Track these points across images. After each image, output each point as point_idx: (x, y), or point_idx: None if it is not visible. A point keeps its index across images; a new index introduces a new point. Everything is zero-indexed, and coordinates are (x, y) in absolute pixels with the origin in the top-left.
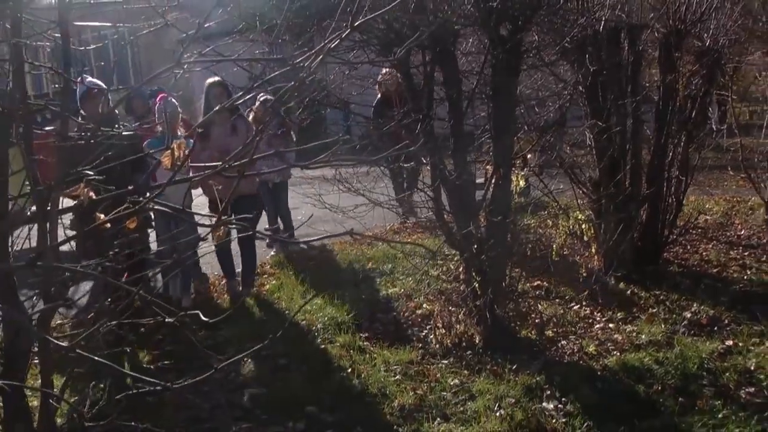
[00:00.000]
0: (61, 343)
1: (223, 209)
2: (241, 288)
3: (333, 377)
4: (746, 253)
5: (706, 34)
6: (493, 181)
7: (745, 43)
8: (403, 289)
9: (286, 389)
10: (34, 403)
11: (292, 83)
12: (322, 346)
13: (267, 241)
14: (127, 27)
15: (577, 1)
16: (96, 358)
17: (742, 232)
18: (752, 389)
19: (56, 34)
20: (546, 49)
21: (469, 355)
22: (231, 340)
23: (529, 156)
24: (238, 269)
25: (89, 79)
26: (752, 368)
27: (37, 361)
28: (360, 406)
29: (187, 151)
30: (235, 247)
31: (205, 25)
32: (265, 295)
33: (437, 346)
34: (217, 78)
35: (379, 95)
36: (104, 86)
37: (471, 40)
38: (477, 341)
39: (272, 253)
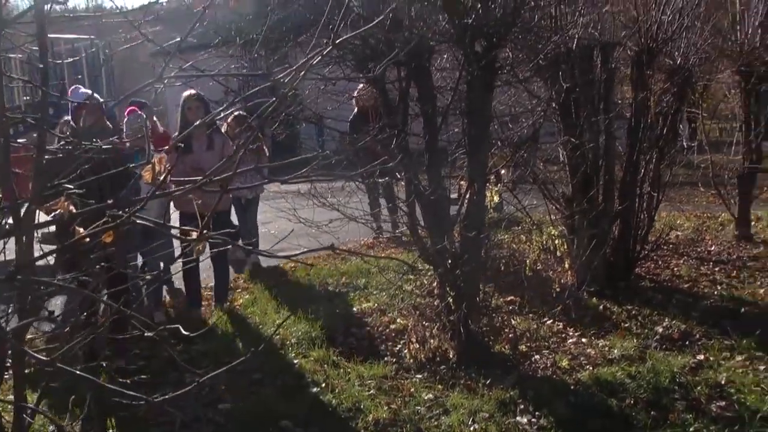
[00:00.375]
0: (41, 357)
1: (204, 224)
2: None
3: (307, 392)
4: (717, 269)
5: (677, 53)
6: (467, 196)
7: (715, 62)
8: (376, 304)
9: (260, 404)
10: (6, 417)
11: (274, 99)
12: (296, 361)
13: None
14: (101, 40)
15: (551, 19)
16: (77, 372)
17: (713, 248)
18: (723, 403)
19: (33, 47)
20: (520, 66)
21: (443, 370)
22: (206, 354)
23: (502, 171)
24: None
25: (82, 89)
26: (723, 382)
27: (8, 375)
28: (334, 420)
29: (168, 166)
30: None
31: (180, 39)
32: (239, 309)
33: (411, 360)
34: (193, 91)
35: (355, 110)
36: (99, 98)
37: (446, 56)
38: (451, 356)
39: (246, 267)
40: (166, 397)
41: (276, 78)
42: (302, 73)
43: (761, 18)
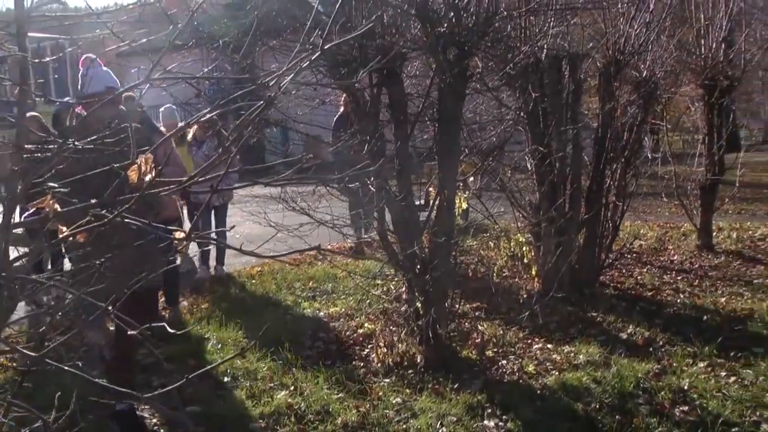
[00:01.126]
0: (29, 353)
1: (192, 228)
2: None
3: (275, 395)
4: (679, 278)
5: (643, 66)
6: (437, 202)
7: (679, 75)
8: (344, 309)
9: (229, 407)
10: None
11: (261, 103)
12: (264, 365)
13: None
14: (68, 39)
15: (521, 30)
16: (66, 368)
17: (675, 257)
18: (686, 407)
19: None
20: (490, 75)
21: (411, 374)
22: (173, 357)
23: (470, 179)
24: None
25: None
26: (686, 387)
27: None
28: (303, 423)
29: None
30: None
31: (148, 39)
32: (204, 312)
33: (379, 365)
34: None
35: (342, 109)
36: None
37: (417, 63)
38: (419, 360)
39: (212, 272)
40: (156, 393)
41: (262, 81)
42: (290, 77)
43: (724, 33)
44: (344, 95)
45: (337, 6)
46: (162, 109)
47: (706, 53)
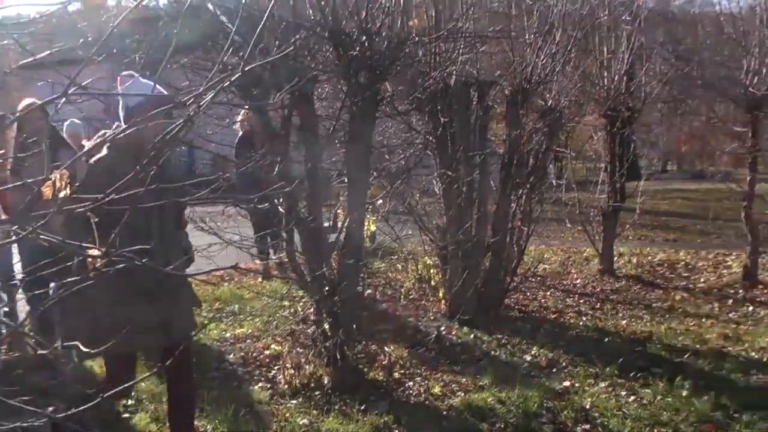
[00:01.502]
0: None
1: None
2: None
3: None
4: (581, 301)
5: (548, 95)
6: (345, 224)
7: (583, 105)
8: (250, 330)
9: (133, 430)
10: None
11: (183, 120)
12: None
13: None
14: None
15: (432, 56)
16: None
17: (578, 281)
18: (587, 426)
19: None
20: (400, 99)
21: (318, 396)
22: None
23: (379, 201)
24: None
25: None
26: (587, 407)
27: None
28: None
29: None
30: None
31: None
32: None
33: (286, 386)
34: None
35: (240, 133)
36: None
37: (327, 86)
38: (326, 382)
39: None
40: (69, 413)
41: (182, 100)
42: (210, 95)
43: (626, 66)
44: (242, 116)
45: (256, 30)
46: (66, 123)
47: (608, 85)
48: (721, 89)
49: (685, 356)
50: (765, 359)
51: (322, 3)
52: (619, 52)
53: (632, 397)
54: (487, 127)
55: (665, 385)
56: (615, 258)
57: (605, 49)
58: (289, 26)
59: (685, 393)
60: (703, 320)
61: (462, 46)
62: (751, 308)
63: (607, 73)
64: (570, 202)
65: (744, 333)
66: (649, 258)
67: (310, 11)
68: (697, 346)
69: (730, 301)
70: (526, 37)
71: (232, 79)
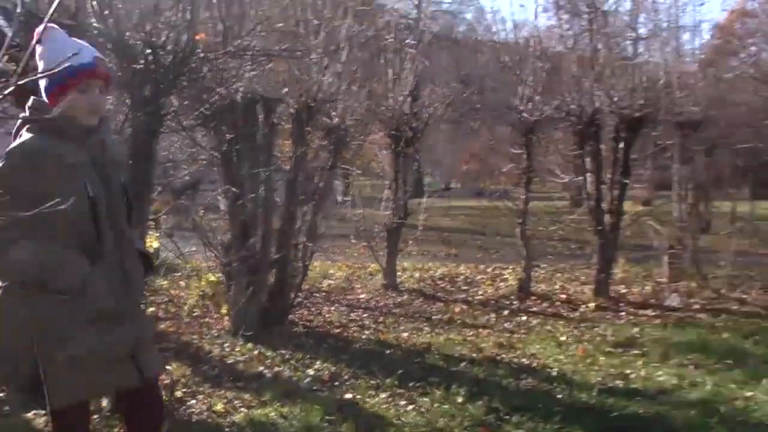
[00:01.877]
0: None
1: None
2: None
3: None
4: (365, 315)
5: (334, 113)
6: None
7: (369, 124)
8: None
9: None
10: None
11: None
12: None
13: None
14: None
15: (218, 71)
16: None
17: (362, 296)
18: None
19: None
20: (186, 114)
21: (97, 419)
22: None
23: (163, 217)
24: None
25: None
26: (368, 418)
27: None
28: None
29: None
30: None
31: None
32: None
33: None
34: None
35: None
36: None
37: (109, 98)
38: (104, 404)
39: None
40: None
41: None
42: None
43: (410, 88)
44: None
45: (34, 39)
46: None
47: (393, 105)
48: (499, 113)
49: (462, 365)
50: (534, 364)
51: (105, 13)
52: (404, 74)
53: (411, 406)
54: (273, 143)
55: (442, 392)
56: (398, 273)
57: (391, 71)
58: (72, 36)
59: (460, 399)
60: (480, 330)
61: (249, 62)
62: (524, 318)
63: (393, 94)
64: (356, 218)
65: (517, 341)
66: (431, 272)
67: (94, 20)
68: (474, 354)
69: (506, 312)
70: (313, 56)
71: (5, 93)
